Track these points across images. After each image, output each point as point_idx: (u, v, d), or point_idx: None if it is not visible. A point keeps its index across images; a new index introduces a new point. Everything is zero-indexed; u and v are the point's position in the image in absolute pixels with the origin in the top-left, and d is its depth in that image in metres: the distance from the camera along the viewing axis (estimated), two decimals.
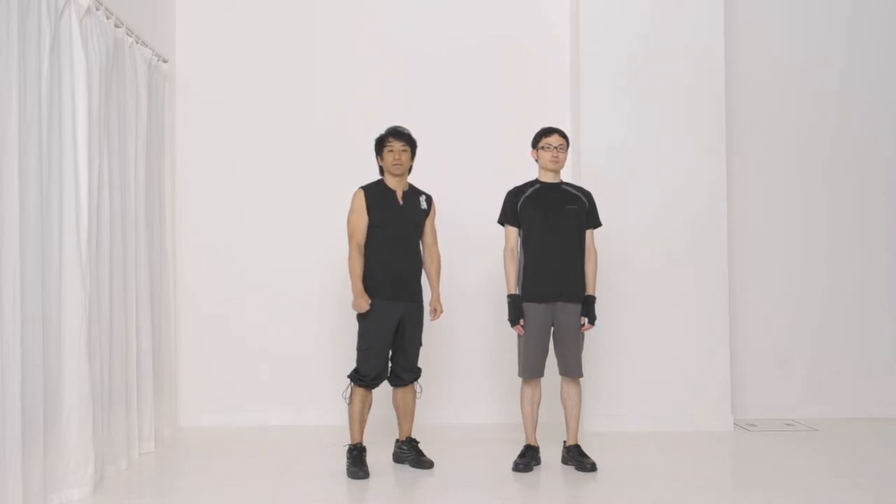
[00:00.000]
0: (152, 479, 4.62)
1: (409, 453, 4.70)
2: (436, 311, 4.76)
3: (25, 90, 3.66)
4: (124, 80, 4.78)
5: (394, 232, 4.58)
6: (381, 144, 4.68)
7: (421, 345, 4.70)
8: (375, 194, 4.62)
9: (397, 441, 4.79)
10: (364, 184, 4.69)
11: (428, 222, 4.74)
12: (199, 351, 5.84)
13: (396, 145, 4.62)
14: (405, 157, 4.64)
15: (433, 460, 4.65)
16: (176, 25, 5.92)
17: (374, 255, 4.55)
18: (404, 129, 4.69)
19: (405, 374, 4.65)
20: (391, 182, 4.66)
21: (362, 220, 4.57)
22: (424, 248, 4.75)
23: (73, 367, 3.96)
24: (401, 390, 4.70)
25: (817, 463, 4.87)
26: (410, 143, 4.68)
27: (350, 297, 4.59)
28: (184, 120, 5.88)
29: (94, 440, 4.09)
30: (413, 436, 4.77)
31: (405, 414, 4.72)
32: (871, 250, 6.15)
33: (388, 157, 4.62)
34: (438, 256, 4.80)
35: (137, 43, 4.99)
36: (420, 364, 4.69)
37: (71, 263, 3.97)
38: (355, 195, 4.64)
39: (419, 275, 4.69)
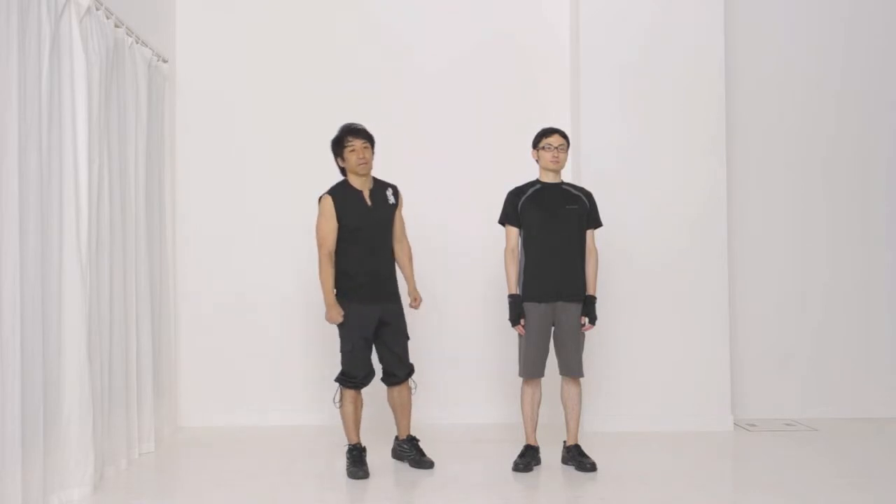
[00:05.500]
0: (152, 479, 4.63)
1: (410, 452, 4.68)
2: (416, 300, 4.71)
3: (25, 90, 3.66)
4: (124, 80, 4.78)
5: (366, 234, 4.48)
6: (339, 145, 4.54)
7: (408, 338, 4.64)
8: (343, 199, 4.48)
9: (397, 438, 4.77)
10: (328, 189, 4.55)
11: (397, 214, 4.64)
12: (199, 351, 5.84)
13: (358, 143, 4.49)
14: (368, 154, 4.51)
15: (433, 460, 4.65)
16: (176, 25, 5.92)
17: (348, 259, 4.47)
18: (360, 125, 4.56)
19: (397, 369, 4.61)
20: (356, 182, 4.54)
21: (332, 226, 4.45)
22: (394, 240, 4.65)
23: (73, 367, 3.97)
24: (396, 388, 4.66)
25: (817, 463, 4.87)
26: (370, 139, 4.55)
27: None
28: (184, 120, 5.88)
29: (94, 440, 4.10)
30: (413, 434, 4.75)
31: (402, 412, 4.69)
32: (871, 250, 6.14)
33: (352, 158, 4.48)
34: (409, 247, 4.73)
35: (137, 43, 4.99)
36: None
37: (71, 263, 3.97)
38: (323, 202, 4.49)
39: (394, 273, 4.63)
